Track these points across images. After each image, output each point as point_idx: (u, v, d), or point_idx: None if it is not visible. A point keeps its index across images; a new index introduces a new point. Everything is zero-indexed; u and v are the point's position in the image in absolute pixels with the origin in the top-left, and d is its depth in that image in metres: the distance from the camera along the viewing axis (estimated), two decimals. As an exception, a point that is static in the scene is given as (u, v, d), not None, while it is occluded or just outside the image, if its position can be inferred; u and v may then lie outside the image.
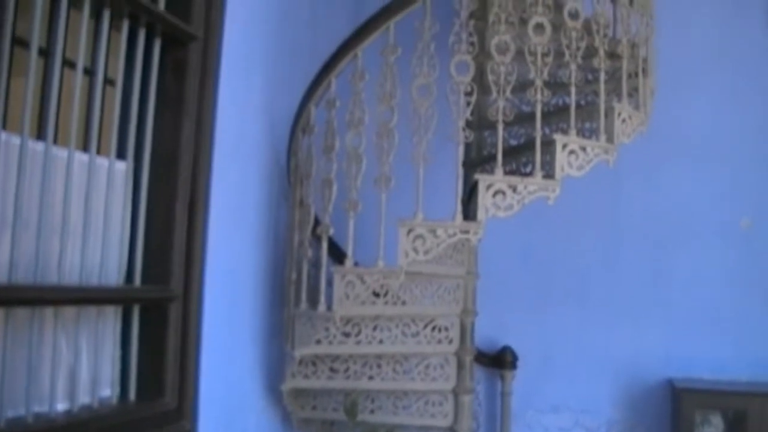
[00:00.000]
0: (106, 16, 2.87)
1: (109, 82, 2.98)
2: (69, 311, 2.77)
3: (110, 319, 3.00)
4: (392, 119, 3.37)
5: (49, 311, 2.66)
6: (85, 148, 2.82)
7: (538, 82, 3.49)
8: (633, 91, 3.91)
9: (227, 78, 3.45)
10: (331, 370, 3.71)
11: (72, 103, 2.72)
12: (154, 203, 3.15)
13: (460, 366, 3.82)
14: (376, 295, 3.52)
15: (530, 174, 3.55)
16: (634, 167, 4.80)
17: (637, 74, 3.92)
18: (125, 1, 2.86)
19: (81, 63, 2.75)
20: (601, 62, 3.63)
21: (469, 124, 3.47)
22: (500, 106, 3.45)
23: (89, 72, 2.86)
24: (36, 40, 2.52)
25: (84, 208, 2.79)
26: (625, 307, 5.11)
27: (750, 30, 5.25)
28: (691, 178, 5.12)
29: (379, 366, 3.72)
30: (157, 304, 3.12)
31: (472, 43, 3.48)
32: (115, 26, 2.95)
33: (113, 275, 2.99)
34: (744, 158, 5.11)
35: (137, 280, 3.07)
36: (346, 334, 3.59)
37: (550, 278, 5.21)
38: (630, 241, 5.16)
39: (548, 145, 3.52)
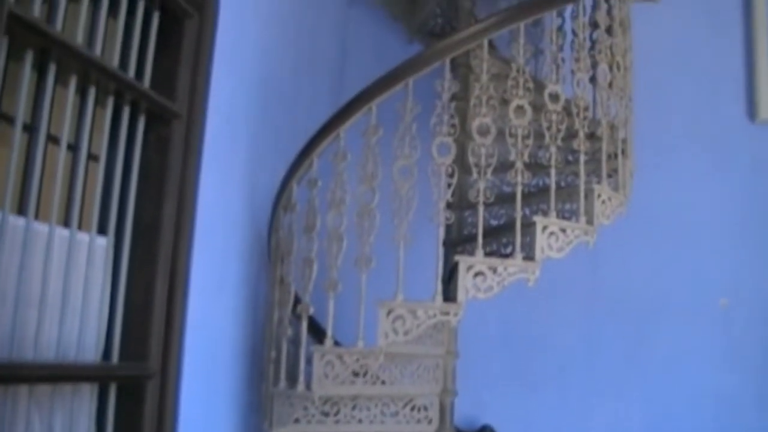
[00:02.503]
0: (92, 93, 2.90)
1: (92, 157, 2.99)
2: (44, 387, 2.73)
3: (86, 396, 2.96)
4: (373, 200, 3.39)
5: (23, 387, 2.63)
6: (66, 223, 2.82)
7: (519, 164, 3.53)
8: (612, 172, 3.94)
9: (210, 155, 3.46)
10: (309, 449, 3.67)
11: (54, 179, 2.72)
12: (134, 279, 3.13)
13: (439, 446, 3.79)
14: (356, 374, 3.50)
15: (510, 255, 3.56)
16: (613, 246, 4.80)
17: (616, 155, 3.96)
18: (111, 78, 2.89)
19: (65, 139, 2.76)
20: (580, 144, 3.68)
21: (449, 205, 3.50)
22: (481, 188, 3.48)
23: (73, 148, 2.87)
24: (21, 116, 2.53)
25: (63, 284, 2.78)
26: (604, 386, 5.10)
27: (728, 112, 5.36)
28: (670, 257, 5.17)
29: (357, 446, 3.68)
30: (134, 382, 3.09)
31: (453, 125, 3.51)
32: (100, 103, 2.98)
33: (90, 351, 2.96)
34: (723, 238, 5.18)
35: (115, 356, 3.04)
36: (325, 414, 3.55)
37: (529, 356, 5.20)
38: (609, 319, 5.18)
39: (528, 226, 3.54)
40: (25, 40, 2.52)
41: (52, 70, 2.68)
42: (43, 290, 2.67)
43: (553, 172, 3.61)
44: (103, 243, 3.02)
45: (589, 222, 3.65)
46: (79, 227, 2.86)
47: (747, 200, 5.25)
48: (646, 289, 5.19)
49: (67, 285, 2.79)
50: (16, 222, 2.57)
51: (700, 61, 5.49)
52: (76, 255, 2.82)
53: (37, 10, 2.54)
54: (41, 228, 2.68)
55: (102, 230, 3.01)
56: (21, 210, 2.61)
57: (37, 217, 2.65)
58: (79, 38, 2.76)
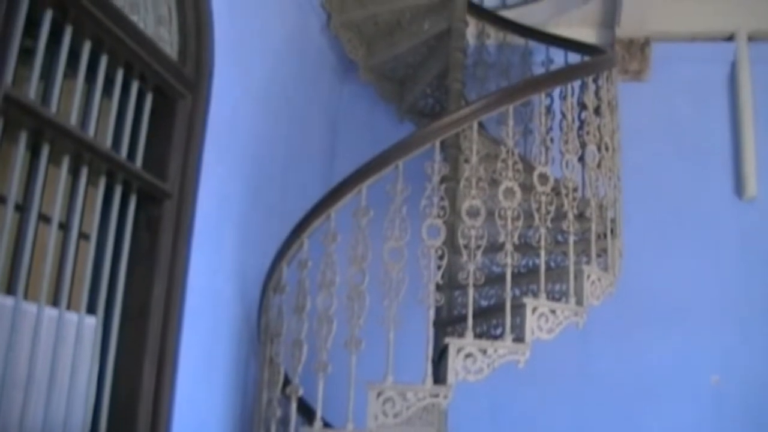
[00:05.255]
0: (84, 173, 2.91)
1: (83, 236, 2.99)
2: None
3: (69, 479, 2.92)
4: (363, 281, 3.38)
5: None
6: (56, 302, 2.80)
7: (509, 246, 3.53)
8: (602, 252, 3.95)
9: (200, 235, 3.47)
10: None
11: (45, 258, 2.72)
12: (123, 359, 3.11)
13: None
14: (345, 456, 3.46)
15: (500, 336, 3.55)
16: (603, 326, 4.81)
17: (605, 235, 3.97)
18: (103, 159, 2.91)
19: (56, 218, 2.77)
20: (570, 225, 3.69)
21: (439, 286, 3.48)
22: (470, 270, 3.48)
23: (64, 227, 2.87)
24: (13, 195, 2.54)
25: (50, 364, 2.75)
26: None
27: (715, 189, 5.42)
28: (661, 335, 5.17)
29: None
30: (119, 465, 3.05)
31: (443, 207, 3.51)
32: (92, 182, 2.99)
33: (76, 433, 2.93)
34: (713, 315, 5.19)
35: (101, 438, 3.01)
36: (314, 496, 3.51)
37: (519, 436, 5.16)
38: (600, 398, 5.15)
39: (518, 307, 3.54)
40: (19, 121, 2.54)
41: (45, 150, 2.69)
42: (30, 370, 2.64)
43: (542, 253, 3.62)
44: (92, 323, 3.00)
45: (579, 303, 3.65)
46: (68, 307, 2.85)
47: (736, 277, 5.27)
48: (636, 367, 5.17)
49: (54, 365, 2.76)
50: (5, 302, 2.56)
51: (688, 139, 5.56)
52: (64, 335, 2.81)
53: (32, 92, 2.56)
54: (30, 308, 2.66)
55: (91, 310, 2.99)
56: (10, 290, 2.60)
57: (26, 296, 2.64)
58: (73, 119, 2.79)
